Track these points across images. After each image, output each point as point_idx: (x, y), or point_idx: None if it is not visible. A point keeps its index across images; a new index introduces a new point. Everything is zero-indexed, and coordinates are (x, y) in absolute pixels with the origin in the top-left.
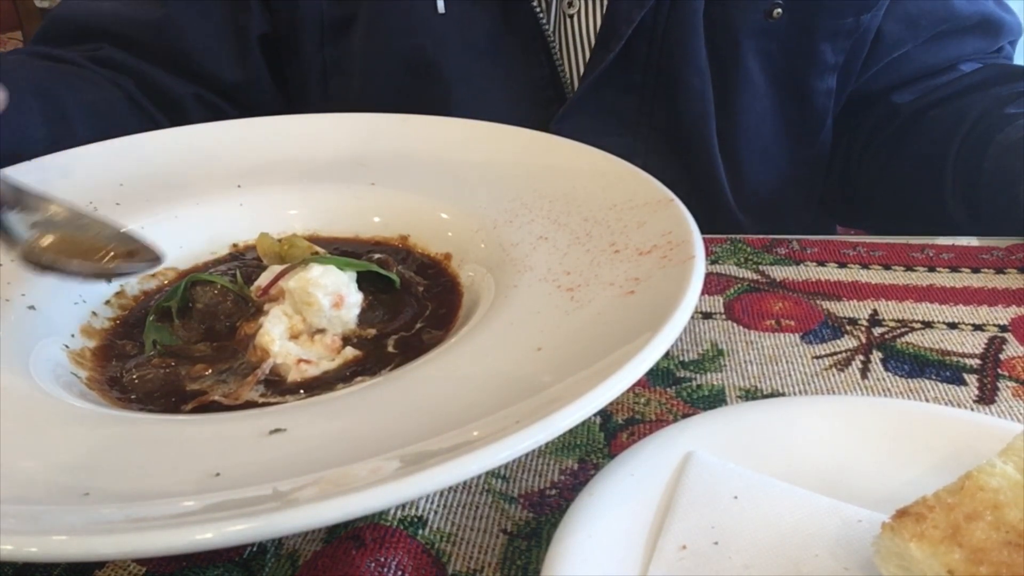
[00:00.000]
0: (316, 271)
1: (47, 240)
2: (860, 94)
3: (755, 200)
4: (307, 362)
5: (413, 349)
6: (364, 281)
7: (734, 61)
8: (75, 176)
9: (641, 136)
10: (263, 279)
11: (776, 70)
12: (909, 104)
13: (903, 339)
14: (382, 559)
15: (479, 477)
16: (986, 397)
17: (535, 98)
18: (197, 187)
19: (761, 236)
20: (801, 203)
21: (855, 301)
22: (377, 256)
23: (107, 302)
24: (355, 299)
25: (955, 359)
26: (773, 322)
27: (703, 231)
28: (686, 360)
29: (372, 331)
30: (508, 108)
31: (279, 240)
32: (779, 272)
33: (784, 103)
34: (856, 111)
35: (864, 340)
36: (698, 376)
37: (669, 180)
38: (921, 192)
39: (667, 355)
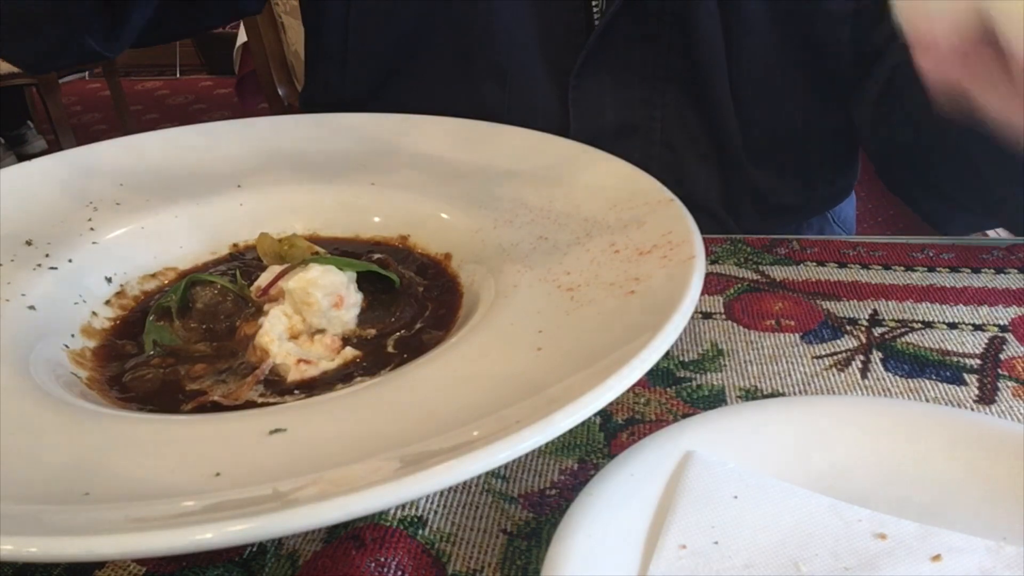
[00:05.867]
0: (316, 271)
1: None
2: None
3: (769, 154)
4: (307, 362)
5: (413, 349)
6: (364, 281)
7: (735, 1)
8: (75, 176)
9: (659, 88)
10: (263, 279)
11: (782, 17)
12: None
13: (903, 339)
14: (382, 559)
15: (479, 477)
16: (986, 397)
17: (567, 43)
18: (197, 187)
19: (761, 236)
20: (825, 166)
21: (855, 301)
22: (377, 256)
23: (107, 302)
24: (355, 299)
25: (955, 359)
26: (773, 322)
27: (716, 187)
28: (686, 360)
29: (372, 331)
30: (538, 49)
31: (279, 240)
32: (779, 272)
33: (797, 54)
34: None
35: (864, 340)
36: (698, 376)
37: (686, 134)
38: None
39: (667, 355)
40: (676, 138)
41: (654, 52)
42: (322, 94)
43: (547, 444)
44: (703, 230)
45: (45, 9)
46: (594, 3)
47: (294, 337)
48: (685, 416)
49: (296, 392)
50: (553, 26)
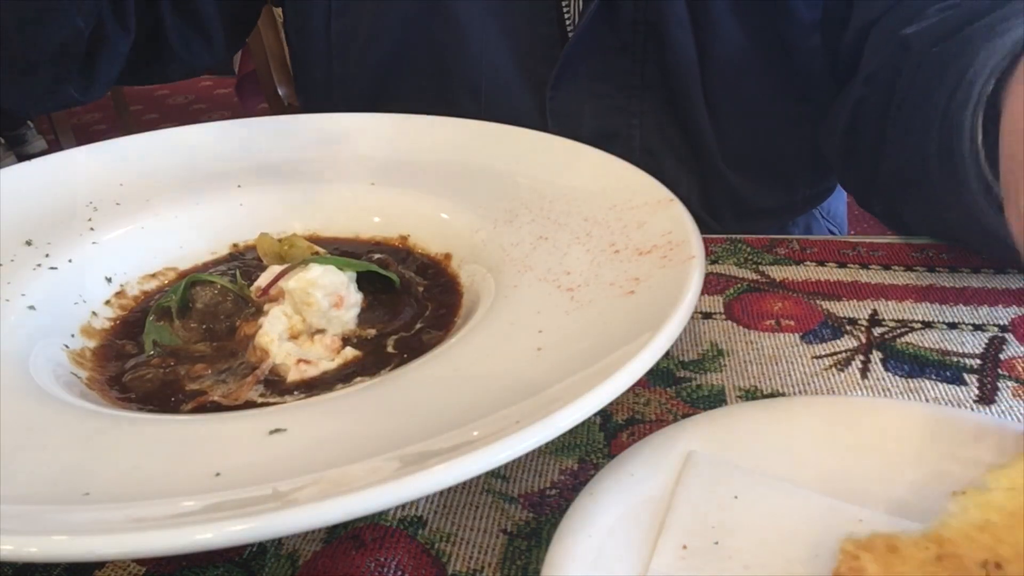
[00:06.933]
0: (316, 271)
1: None
2: (869, 30)
3: (746, 159)
4: (307, 362)
5: (413, 349)
6: (364, 281)
7: (705, 9)
8: (75, 176)
9: (636, 96)
10: (263, 279)
11: (752, 25)
12: (918, 37)
13: (903, 339)
14: (382, 559)
15: (479, 477)
16: (986, 397)
17: (542, 55)
18: (197, 187)
19: (761, 236)
20: (805, 169)
21: (855, 301)
22: (377, 256)
23: (107, 302)
24: (355, 299)
25: (955, 359)
26: (773, 322)
27: (696, 191)
28: (686, 360)
29: (372, 331)
30: (513, 62)
31: (279, 240)
32: (779, 272)
33: (769, 60)
34: (872, 51)
35: (864, 340)
36: (698, 376)
37: (665, 139)
38: (910, 160)
39: (667, 355)
40: (655, 144)
41: (628, 60)
42: None
43: (547, 444)
44: None
45: (34, 59)
46: (566, 15)
47: (294, 337)
48: (685, 416)
49: (296, 392)
50: (527, 39)
